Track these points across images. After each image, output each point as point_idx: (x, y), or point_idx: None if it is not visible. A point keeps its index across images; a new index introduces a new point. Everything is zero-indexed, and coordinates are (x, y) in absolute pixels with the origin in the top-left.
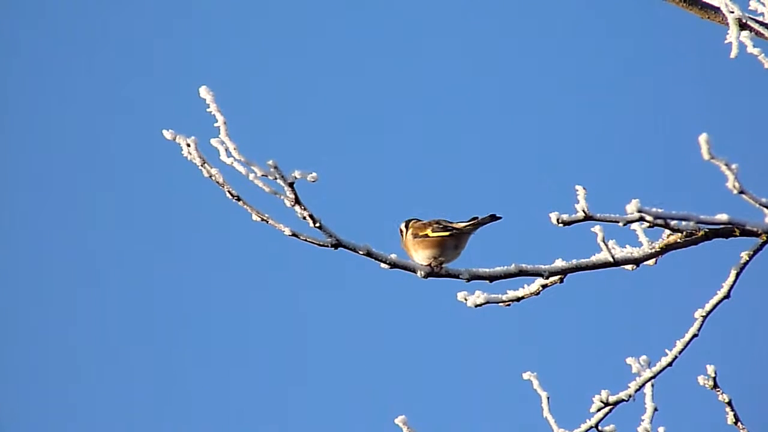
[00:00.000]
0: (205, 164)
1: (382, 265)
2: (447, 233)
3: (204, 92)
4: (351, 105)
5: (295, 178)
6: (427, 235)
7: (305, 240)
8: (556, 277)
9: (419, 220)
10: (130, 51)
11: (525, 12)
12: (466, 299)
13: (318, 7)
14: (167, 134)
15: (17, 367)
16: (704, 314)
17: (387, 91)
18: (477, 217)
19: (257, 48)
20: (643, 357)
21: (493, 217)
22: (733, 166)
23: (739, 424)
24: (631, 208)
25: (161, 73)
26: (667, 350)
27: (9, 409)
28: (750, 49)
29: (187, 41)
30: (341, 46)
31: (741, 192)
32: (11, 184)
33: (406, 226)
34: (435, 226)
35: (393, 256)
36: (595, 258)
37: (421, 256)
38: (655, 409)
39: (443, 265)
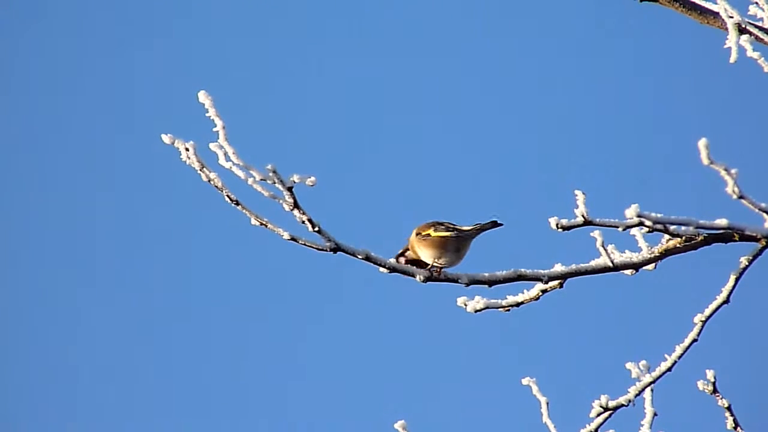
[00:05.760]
0: (204, 168)
1: (381, 269)
2: (449, 233)
3: (203, 97)
4: (350, 109)
5: (294, 182)
6: (429, 235)
7: (304, 244)
8: (556, 282)
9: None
10: (130, 53)
11: (526, 14)
12: (465, 304)
13: (316, 11)
14: (166, 138)
15: (17, 367)
16: (704, 319)
17: (386, 95)
18: (479, 223)
19: (256, 52)
20: (643, 362)
21: (495, 224)
22: (733, 171)
23: (738, 428)
24: (631, 212)
25: (160, 77)
26: (666, 355)
27: (9, 409)
28: (749, 53)
29: (186, 44)
30: (340, 49)
31: (740, 197)
32: (11, 185)
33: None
34: (438, 225)
35: (392, 260)
36: (595, 263)
37: (423, 254)
38: (655, 414)
39: (442, 269)
